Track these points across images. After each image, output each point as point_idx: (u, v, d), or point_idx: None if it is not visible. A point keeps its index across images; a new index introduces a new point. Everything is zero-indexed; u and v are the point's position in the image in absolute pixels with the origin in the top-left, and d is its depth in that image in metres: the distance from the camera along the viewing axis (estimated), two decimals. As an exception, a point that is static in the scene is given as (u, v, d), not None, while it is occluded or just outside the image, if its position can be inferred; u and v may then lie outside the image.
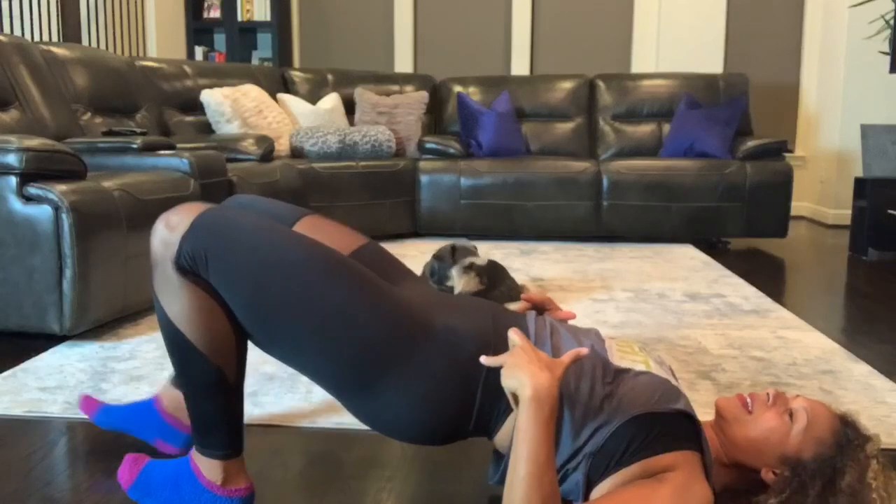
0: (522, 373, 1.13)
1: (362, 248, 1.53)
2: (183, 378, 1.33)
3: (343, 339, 1.25)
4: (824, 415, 1.27)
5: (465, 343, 1.29)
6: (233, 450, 1.37)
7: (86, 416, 1.75)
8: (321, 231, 1.52)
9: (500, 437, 1.32)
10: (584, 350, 1.21)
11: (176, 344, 1.30)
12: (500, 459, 1.36)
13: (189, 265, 1.26)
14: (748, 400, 1.32)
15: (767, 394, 1.31)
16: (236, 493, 1.37)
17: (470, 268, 2.73)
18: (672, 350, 2.46)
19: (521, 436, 1.12)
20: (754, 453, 1.28)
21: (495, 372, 1.21)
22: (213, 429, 1.34)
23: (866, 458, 1.20)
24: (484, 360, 1.20)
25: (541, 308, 1.57)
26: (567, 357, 1.19)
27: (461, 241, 2.87)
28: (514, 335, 1.21)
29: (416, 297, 1.37)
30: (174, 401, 1.66)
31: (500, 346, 1.29)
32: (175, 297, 1.28)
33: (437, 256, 2.83)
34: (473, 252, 2.80)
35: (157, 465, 1.43)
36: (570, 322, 1.59)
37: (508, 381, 1.15)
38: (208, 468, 1.36)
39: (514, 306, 1.53)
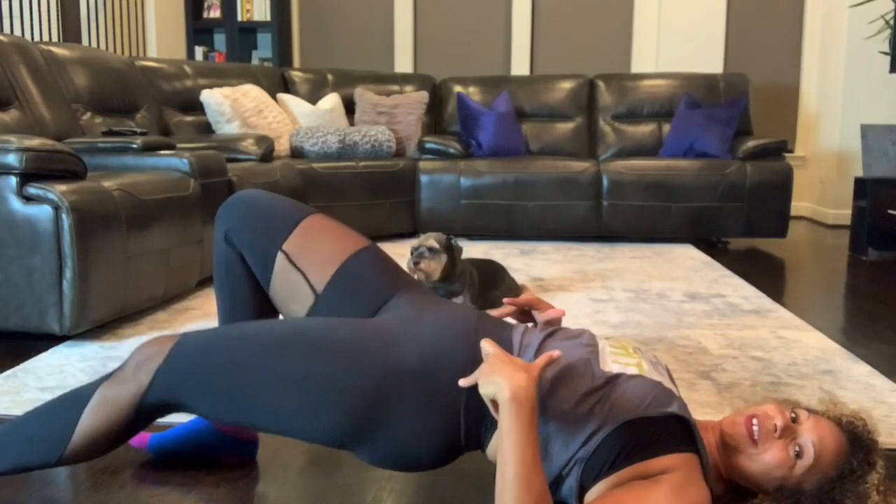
0: (499, 376, 1.13)
1: (358, 253, 1.49)
2: None
3: (321, 414, 1.25)
4: (832, 446, 1.24)
5: (440, 373, 1.28)
6: None
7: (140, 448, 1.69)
8: (320, 236, 1.49)
9: (493, 450, 1.31)
10: (557, 353, 1.20)
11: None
12: None
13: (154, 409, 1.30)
14: (755, 429, 1.26)
15: (775, 426, 1.25)
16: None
17: (420, 255, 2.71)
18: (672, 350, 2.46)
19: (506, 438, 1.12)
20: (753, 482, 1.27)
21: (475, 392, 1.20)
22: None
23: (866, 491, 1.19)
24: (462, 382, 1.19)
25: (528, 310, 1.56)
26: (541, 360, 1.19)
27: (432, 235, 2.80)
28: (486, 345, 1.21)
29: (392, 324, 1.35)
30: None
31: (480, 363, 1.27)
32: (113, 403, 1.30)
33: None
34: (442, 242, 2.75)
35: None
36: (562, 320, 1.58)
37: (486, 388, 1.15)
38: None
39: (496, 312, 1.51)
